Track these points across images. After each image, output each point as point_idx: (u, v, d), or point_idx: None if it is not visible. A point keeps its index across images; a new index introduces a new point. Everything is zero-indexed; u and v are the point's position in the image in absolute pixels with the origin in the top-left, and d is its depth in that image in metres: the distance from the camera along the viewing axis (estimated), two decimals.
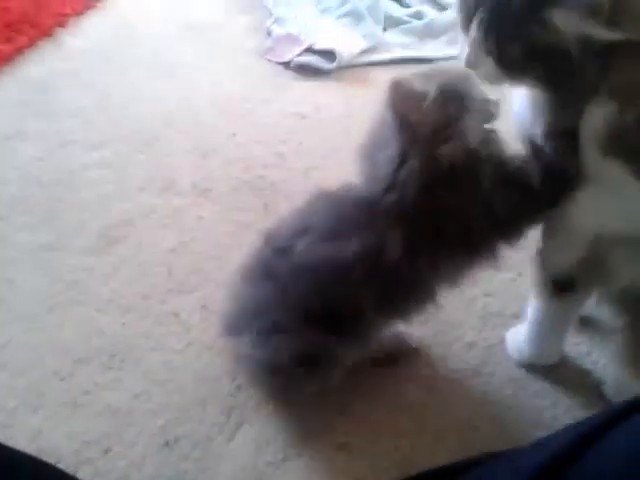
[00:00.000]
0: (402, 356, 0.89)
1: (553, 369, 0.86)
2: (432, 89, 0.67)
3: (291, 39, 1.47)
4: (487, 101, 0.72)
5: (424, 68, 0.78)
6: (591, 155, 0.65)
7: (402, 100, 0.68)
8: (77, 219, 1.08)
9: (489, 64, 0.65)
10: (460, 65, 0.71)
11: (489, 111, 0.72)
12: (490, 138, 0.72)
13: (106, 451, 0.79)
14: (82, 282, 0.98)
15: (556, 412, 0.82)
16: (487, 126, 0.72)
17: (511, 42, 0.62)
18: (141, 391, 0.85)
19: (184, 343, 0.90)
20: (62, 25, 1.56)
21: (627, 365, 0.78)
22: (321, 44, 1.44)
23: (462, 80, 0.71)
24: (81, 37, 1.55)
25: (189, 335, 0.91)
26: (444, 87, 0.68)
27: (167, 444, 0.79)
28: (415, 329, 0.90)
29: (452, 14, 1.46)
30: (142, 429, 0.81)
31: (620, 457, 0.49)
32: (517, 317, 0.91)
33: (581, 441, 0.53)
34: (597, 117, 0.62)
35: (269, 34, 1.52)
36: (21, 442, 0.78)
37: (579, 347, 0.89)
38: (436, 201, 0.69)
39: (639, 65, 0.60)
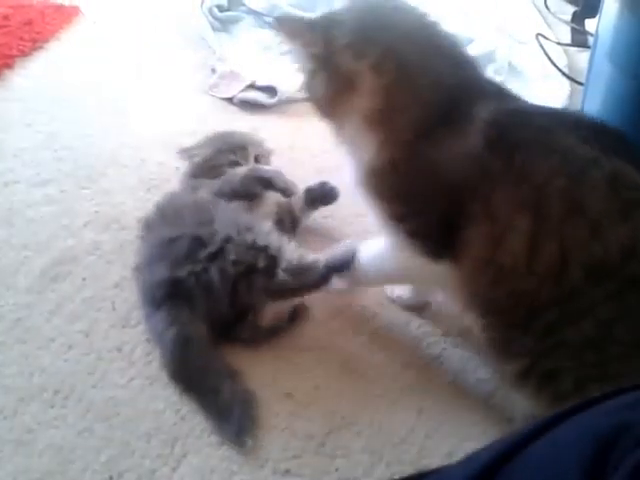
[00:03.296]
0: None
1: (482, 385, 0.91)
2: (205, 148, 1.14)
3: (234, 76, 1.51)
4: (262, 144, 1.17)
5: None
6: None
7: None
8: (20, 257, 1.08)
9: None
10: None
11: (265, 149, 1.17)
12: None
13: None
14: (24, 320, 0.98)
15: (486, 426, 0.87)
16: None
17: None
18: (84, 427, 0.85)
19: (127, 378, 0.91)
20: (9, 66, 1.57)
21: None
22: (263, 80, 1.49)
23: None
24: (28, 78, 1.56)
25: (132, 369, 0.92)
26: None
27: (111, 479, 0.80)
28: (352, 350, 0.95)
29: None
30: (86, 465, 0.81)
31: (539, 466, 0.52)
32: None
33: (507, 452, 0.56)
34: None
35: (213, 71, 1.56)
36: None
37: None
38: None
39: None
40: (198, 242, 0.93)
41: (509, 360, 0.80)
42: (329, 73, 0.82)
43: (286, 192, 1.07)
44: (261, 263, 0.92)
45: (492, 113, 0.76)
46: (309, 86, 0.87)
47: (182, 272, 0.91)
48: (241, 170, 1.09)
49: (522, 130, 0.76)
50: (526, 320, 0.76)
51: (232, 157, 1.10)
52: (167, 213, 1.01)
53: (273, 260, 0.93)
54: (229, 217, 0.97)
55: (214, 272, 0.91)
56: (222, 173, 1.09)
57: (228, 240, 0.93)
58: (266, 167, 1.13)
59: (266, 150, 1.17)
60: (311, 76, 0.86)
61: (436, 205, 0.79)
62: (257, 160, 1.12)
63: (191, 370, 0.89)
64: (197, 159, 1.12)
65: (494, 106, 0.78)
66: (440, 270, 0.81)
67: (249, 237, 0.94)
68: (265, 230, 0.97)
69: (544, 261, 0.73)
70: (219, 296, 0.91)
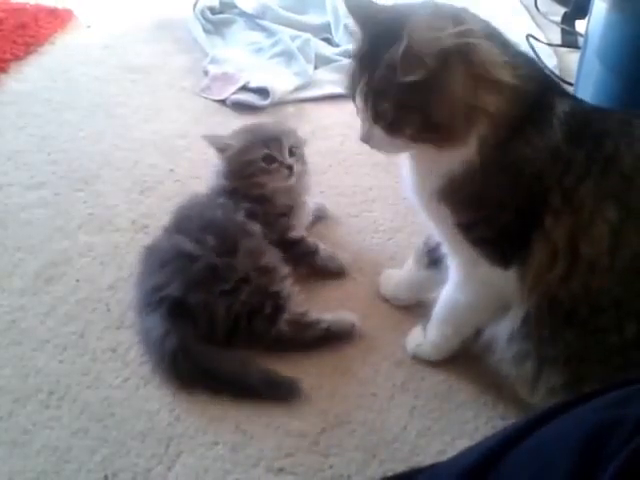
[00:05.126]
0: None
1: (474, 382, 0.92)
2: (236, 140, 1.08)
3: (227, 78, 1.52)
4: (296, 134, 1.12)
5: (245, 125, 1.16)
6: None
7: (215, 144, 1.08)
8: (14, 259, 1.09)
9: (377, 131, 0.76)
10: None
11: (299, 139, 1.11)
12: None
13: None
14: (19, 322, 0.99)
15: (478, 423, 0.87)
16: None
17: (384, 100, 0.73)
18: (79, 428, 0.86)
19: (122, 378, 0.92)
20: (3, 70, 1.59)
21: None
22: (255, 82, 1.50)
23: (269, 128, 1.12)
24: (22, 81, 1.57)
25: (127, 370, 0.93)
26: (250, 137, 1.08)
27: (106, 478, 0.81)
28: (345, 349, 0.96)
29: None
30: (81, 465, 0.82)
31: (530, 462, 0.53)
32: None
33: (500, 449, 0.56)
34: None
35: (206, 74, 1.57)
36: None
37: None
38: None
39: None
40: (215, 272, 0.93)
41: (552, 372, 0.80)
42: (464, 70, 0.70)
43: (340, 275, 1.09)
44: (267, 309, 0.94)
45: (571, 106, 0.76)
46: (431, 89, 0.70)
47: (193, 299, 0.91)
48: (297, 233, 1.07)
49: (603, 121, 0.76)
50: (583, 321, 0.76)
51: (266, 151, 1.05)
52: (196, 222, 1.00)
53: (279, 308, 0.94)
54: (252, 251, 0.97)
55: (221, 307, 0.92)
56: (257, 169, 1.05)
57: (244, 281, 0.94)
58: (322, 248, 1.09)
59: (300, 139, 1.13)
60: (431, 76, 0.69)
61: (514, 204, 0.76)
62: (292, 152, 1.08)
63: (203, 367, 0.90)
64: (229, 152, 1.07)
65: (570, 100, 0.78)
66: (509, 277, 0.79)
67: (264, 281, 0.95)
68: (282, 274, 0.98)
69: (625, 256, 0.72)
70: (219, 324, 0.93)
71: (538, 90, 0.76)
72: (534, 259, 0.76)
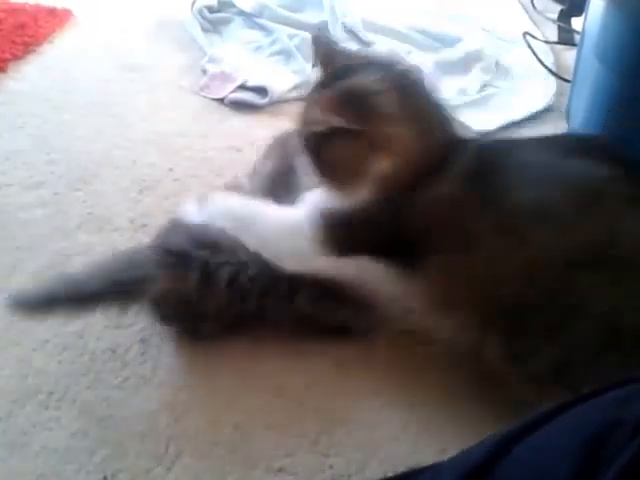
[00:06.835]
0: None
1: (474, 380, 0.91)
2: None
3: (225, 76, 1.52)
4: None
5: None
6: None
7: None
8: (12, 260, 1.08)
9: None
10: None
11: None
12: None
13: None
14: (18, 322, 0.98)
15: (479, 421, 0.86)
16: None
17: None
18: (78, 429, 0.85)
19: (121, 378, 0.91)
20: (2, 70, 1.58)
21: None
22: (254, 81, 1.50)
23: None
24: (21, 81, 1.57)
25: (126, 370, 0.92)
26: None
27: (105, 479, 0.80)
28: (345, 348, 0.95)
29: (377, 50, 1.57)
30: (80, 466, 0.82)
31: (531, 463, 0.53)
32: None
33: (500, 449, 0.56)
34: None
35: (204, 72, 1.57)
36: None
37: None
38: None
39: None
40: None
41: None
42: None
43: None
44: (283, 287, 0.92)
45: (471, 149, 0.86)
46: None
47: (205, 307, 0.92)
48: None
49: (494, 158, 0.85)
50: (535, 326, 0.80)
51: None
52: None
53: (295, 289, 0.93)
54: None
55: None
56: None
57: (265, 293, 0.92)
58: None
59: None
60: None
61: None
62: None
63: None
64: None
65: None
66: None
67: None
68: None
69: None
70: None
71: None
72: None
